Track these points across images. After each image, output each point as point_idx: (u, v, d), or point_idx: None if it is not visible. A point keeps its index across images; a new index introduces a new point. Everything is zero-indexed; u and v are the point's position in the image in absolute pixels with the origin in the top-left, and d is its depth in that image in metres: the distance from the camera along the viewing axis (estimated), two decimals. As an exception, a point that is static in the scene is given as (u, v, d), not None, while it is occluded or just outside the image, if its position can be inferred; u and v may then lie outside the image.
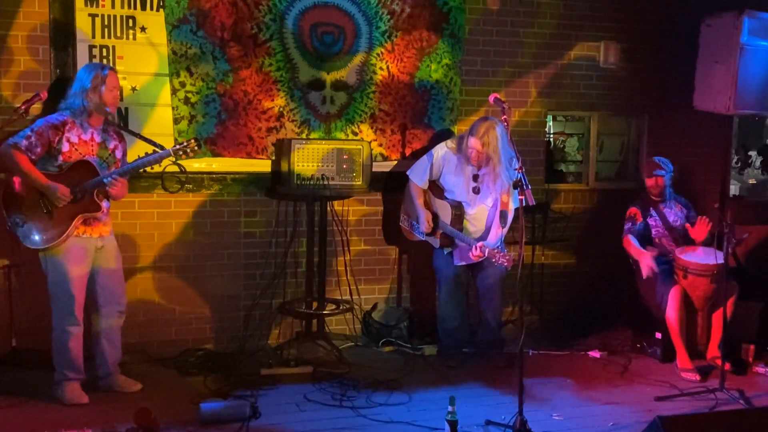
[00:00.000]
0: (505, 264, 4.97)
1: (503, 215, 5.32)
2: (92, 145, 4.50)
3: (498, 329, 5.54)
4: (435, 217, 5.43)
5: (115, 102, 4.55)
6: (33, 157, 4.34)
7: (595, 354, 5.68)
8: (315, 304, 5.68)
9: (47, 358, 4.61)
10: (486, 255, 5.09)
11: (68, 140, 4.41)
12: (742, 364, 5.42)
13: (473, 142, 5.20)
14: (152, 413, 4.11)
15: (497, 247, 5.15)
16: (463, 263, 5.39)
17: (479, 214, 5.36)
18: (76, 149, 4.43)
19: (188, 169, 5.38)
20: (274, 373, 5.08)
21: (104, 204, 4.55)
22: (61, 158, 4.40)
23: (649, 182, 5.69)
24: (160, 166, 4.68)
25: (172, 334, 5.59)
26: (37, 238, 4.38)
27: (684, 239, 5.63)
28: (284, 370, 5.13)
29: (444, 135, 5.96)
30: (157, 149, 4.59)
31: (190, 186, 5.54)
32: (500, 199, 5.32)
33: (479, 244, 5.14)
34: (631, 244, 5.61)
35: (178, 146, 4.56)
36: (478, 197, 5.35)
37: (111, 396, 4.65)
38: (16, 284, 5.13)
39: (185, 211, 5.58)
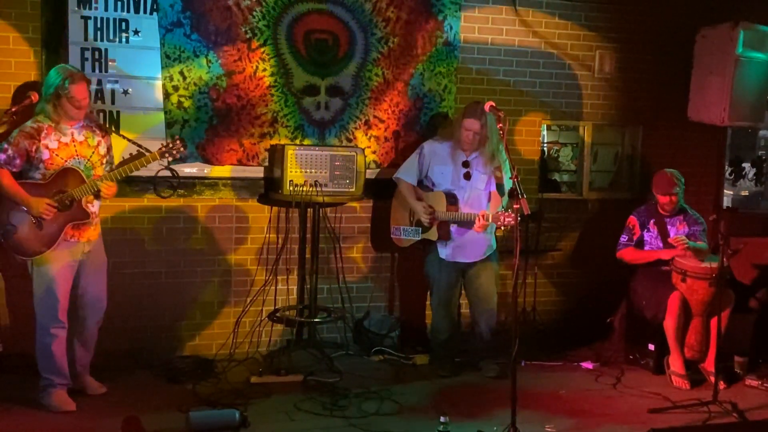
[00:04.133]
0: (512, 222, 4.83)
1: (499, 188, 5.30)
2: (74, 146, 4.43)
3: (491, 338, 5.50)
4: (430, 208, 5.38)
5: (79, 114, 4.42)
6: (14, 169, 4.32)
7: (588, 365, 5.66)
8: (306, 312, 5.63)
9: (34, 363, 4.54)
10: (490, 221, 5.05)
11: (47, 147, 4.35)
12: (734, 378, 5.41)
13: (472, 123, 5.21)
14: (140, 421, 4.06)
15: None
16: (460, 259, 5.35)
17: (473, 199, 5.34)
18: (57, 155, 4.37)
19: (180, 174, 5.37)
20: (265, 382, 5.04)
21: (93, 208, 4.51)
22: (43, 166, 4.36)
23: (663, 199, 5.56)
24: (150, 169, 4.72)
25: (161, 341, 5.53)
26: (26, 248, 4.35)
27: None
28: (274, 379, 5.09)
29: (439, 119, 5.98)
30: (142, 151, 4.58)
31: (182, 191, 5.49)
32: (494, 175, 5.32)
33: (481, 213, 5.11)
34: (636, 252, 5.62)
35: (164, 148, 4.57)
36: (470, 183, 5.34)
37: (99, 403, 4.59)
38: (2, 289, 5.07)
39: (176, 216, 5.53)
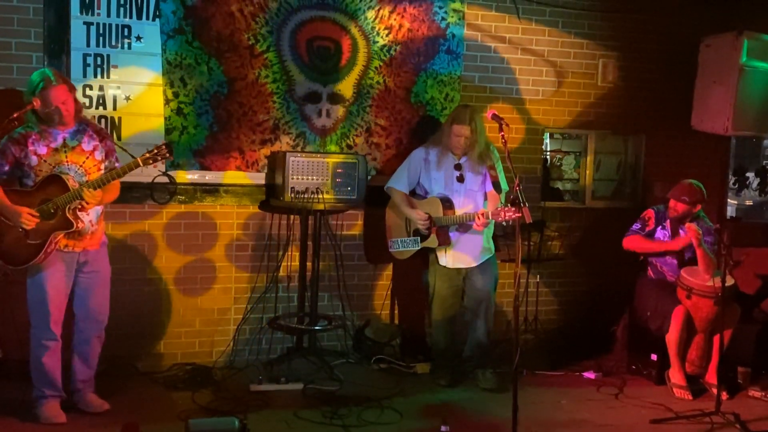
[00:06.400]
0: (513, 217, 4.62)
1: (496, 186, 5.25)
2: (64, 152, 4.29)
3: (490, 346, 5.46)
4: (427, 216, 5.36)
5: (64, 119, 4.24)
6: (3, 177, 4.23)
7: (590, 375, 5.62)
8: (307, 320, 5.61)
9: (32, 370, 4.52)
10: (491, 219, 5.00)
11: (35, 153, 4.23)
12: (736, 388, 5.38)
13: (461, 130, 5.21)
14: (139, 429, 4.03)
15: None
16: (460, 265, 5.32)
17: (468, 200, 5.32)
18: (46, 161, 4.24)
19: (180, 181, 5.36)
20: (264, 390, 5.01)
21: (89, 217, 4.35)
22: (33, 173, 4.25)
23: (671, 203, 5.52)
24: (148, 175, 4.64)
25: (160, 348, 5.51)
26: (13, 258, 4.25)
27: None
28: (274, 387, 5.06)
29: (434, 122, 5.95)
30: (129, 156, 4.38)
31: (182, 197, 5.48)
32: (488, 174, 5.29)
33: (480, 212, 5.07)
34: (643, 241, 5.55)
35: (148, 154, 4.28)
36: (463, 185, 5.33)
37: (94, 414, 4.54)
38: (2, 295, 5.05)
39: (176, 222, 5.51)
